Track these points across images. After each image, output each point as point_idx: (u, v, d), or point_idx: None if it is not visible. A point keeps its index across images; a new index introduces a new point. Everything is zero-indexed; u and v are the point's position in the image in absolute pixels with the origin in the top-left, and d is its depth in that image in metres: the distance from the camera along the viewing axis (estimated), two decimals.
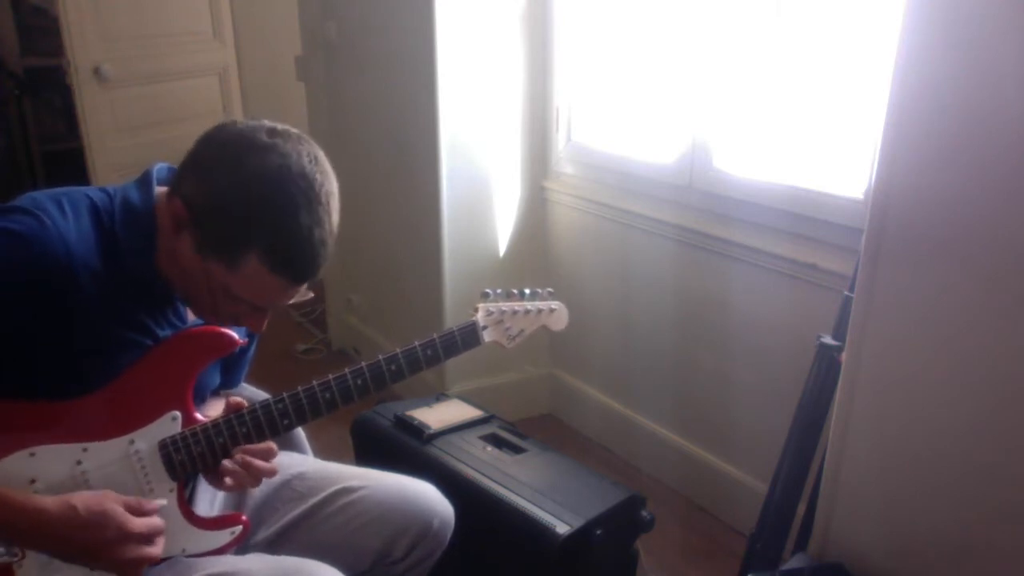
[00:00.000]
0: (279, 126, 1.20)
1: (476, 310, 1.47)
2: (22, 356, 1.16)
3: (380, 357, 1.36)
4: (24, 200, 1.18)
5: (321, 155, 1.21)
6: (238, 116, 4.20)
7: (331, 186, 1.21)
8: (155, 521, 1.20)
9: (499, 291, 1.49)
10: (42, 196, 1.19)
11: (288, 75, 3.58)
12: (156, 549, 1.20)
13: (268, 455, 1.32)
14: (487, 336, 1.47)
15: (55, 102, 4.97)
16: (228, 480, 1.28)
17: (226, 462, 1.28)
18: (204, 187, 1.17)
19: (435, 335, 1.40)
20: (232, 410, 1.30)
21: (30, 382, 1.19)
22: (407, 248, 3.09)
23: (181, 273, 1.23)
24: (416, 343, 1.38)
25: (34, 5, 4.83)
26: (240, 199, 1.15)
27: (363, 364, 1.35)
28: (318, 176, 1.18)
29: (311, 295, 1.29)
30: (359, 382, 1.34)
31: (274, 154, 1.15)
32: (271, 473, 1.32)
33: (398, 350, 1.37)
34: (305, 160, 1.17)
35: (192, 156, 1.21)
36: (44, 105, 5.02)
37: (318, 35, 3.31)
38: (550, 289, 1.57)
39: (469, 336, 1.44)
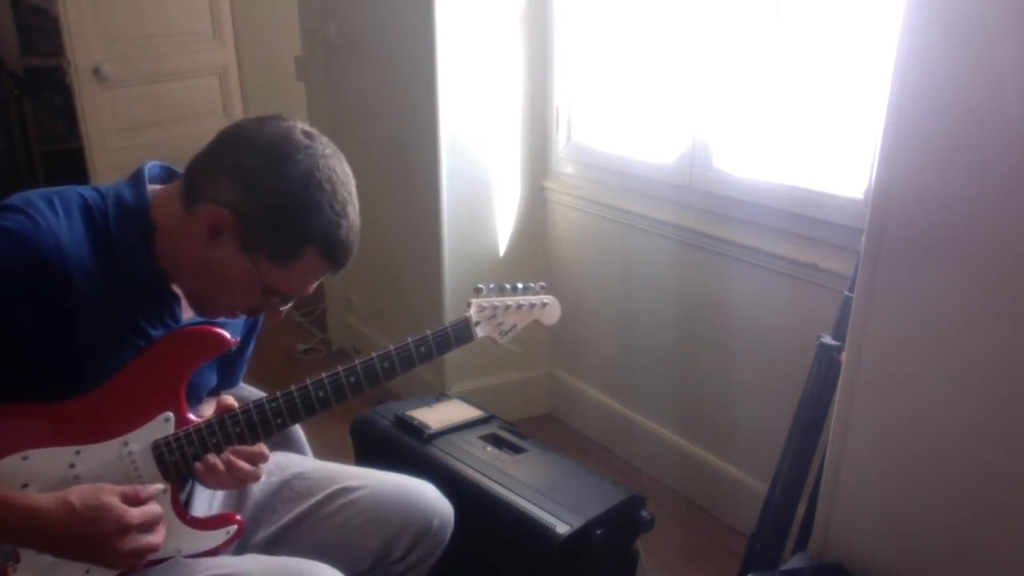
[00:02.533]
0: (305, 127, 1.24)
1: (469, 305, 1.46)
2: (16, 356, 1.16)
3: (373, 354, 1.36)
4: (15, 199, 1.18)
5: (338, 150, 1.26)
6: (238, 116, 4.20)
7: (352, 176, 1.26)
8: (153, 508, 1.20)
9: (492, 286, 1.49)
10: (34, 195, 1.19)
11: (288, 75, 3.58)
12: (156, 537, 1.20)
13: (258, 459, 1.31)
14: (480, 331, 1.46)
15: (55, 102, 4.98)
16: (200, 467, 1.28)
17: (209, 457, 1.28)
18: (254, 192, 1.18)
19: (428, 331, 1.40)
20: (222, 411, 1.30)
21: (24, 383, 1.19)
22: (407, 248, 3.09)
23: (207, 275, 1.23)
24: (409, 339, 1.38)
25: (34, 5, 4.83)
26: (299, 201, 1.18)
27: (356, 362, 1.34)
28: (348, 171, 1.24)
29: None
30: (352, 380, 1.34)
31: (318, 155, 1.20)
32: (255, 478, 1.32)
33: (391, 347, 1.37)
34: (337, 157, 1.23)
35: (220, 160, 1.21)
36: (44, 105, 5.02)
37: (318, 35, 3.31)
38: (542, 284, 1.56)
39: (462, 332, 1.44)
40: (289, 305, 1.31)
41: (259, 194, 1.18)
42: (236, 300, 1.27)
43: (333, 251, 1.22)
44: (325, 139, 1.24)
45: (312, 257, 1.21)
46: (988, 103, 1.28)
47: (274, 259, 1.20)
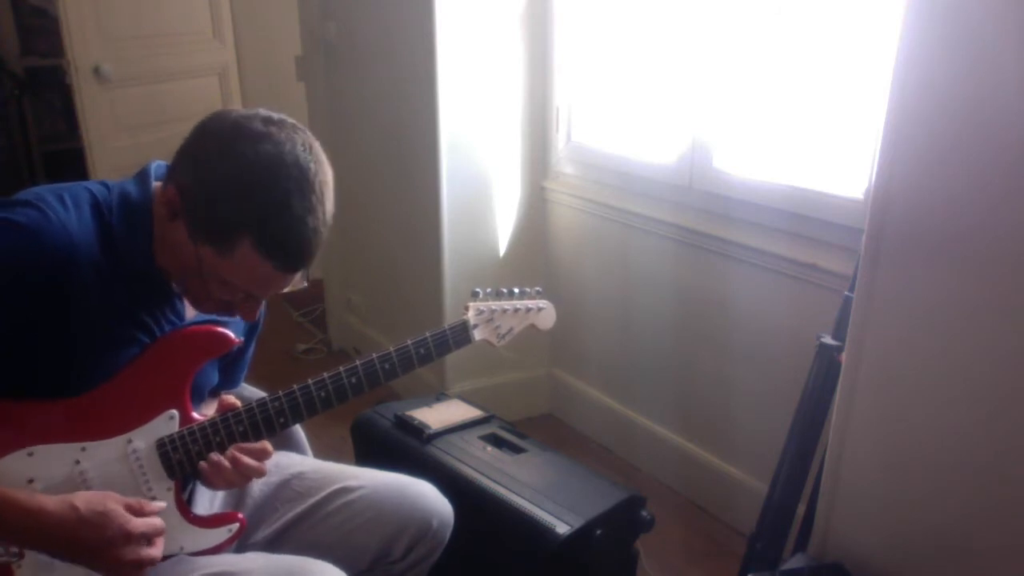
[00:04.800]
0: (275, 115, 1.21)
1: (467, 309, 1.48)
2: (24, 349, 1.16)
3: (374, 355, 1.37)
4: (26, 194, 1.18)
5: (316, 144, 1.21)
6: None
7: (325, 175, 1.21)
8: (155, 522, 1.20)
9: (489, 290, 1.51)
10: (44, 190, 1.20)
11: (288, 75, 3.58)
12: (156, 551, 1.20)
13: (262, 455, 1.32)
14: (477, 335, 1.48)
15: (55, 102, 4.97)
16: (205, 466, 1.27)
17: (213, 456, 1.28)
18: (197, 173, 1.18)
19: (427, 334, 1.41)
20: (225, 410, 1.31)
21: (29, 378, 1.19)
22: (407, 248, 3.09)
23: (176, 261, 1.23)
24: (409, 341, 1.39)
25: (34, 5, 4.83)
26: (232, 185, 1.16)
27: (357, 362, 1.35)
28: (312, 165, 1.18)
29: (305, 284, 1.28)
30: (353, 380, 1.34)
31: (268, 142, 1.16)
32: (260, 473, 1.32)
33: (391, 348, 1.38)
34: (299, 149, 1.18)
35: (187, 144, 1.22)
36: (44, 105, 5.02)
37: (318, 35, 3.31)
38: (538, 288, 1.58)
39: (460, 335, 1.45)
40: (258, 309, 1.28)
41: (201, 175, 1.17)
42: (198, 289, 1.24)
43: (268, 244, 1.16)
44: (294, 129, 1.19)
45: (248, 248, 1.16)
46: (988, 103, 1.28)
47: (212, 245, 1.18)
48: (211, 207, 1.17)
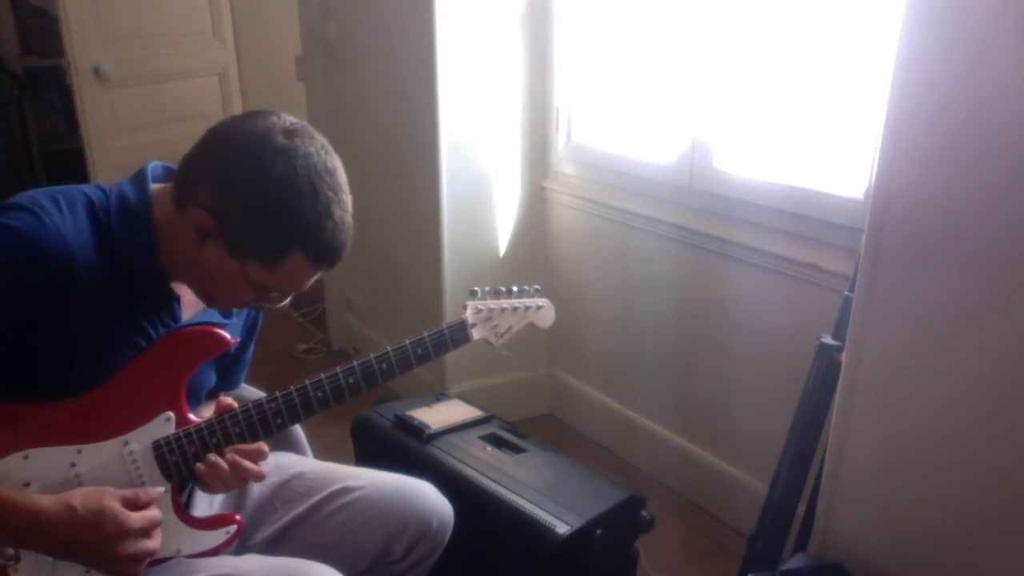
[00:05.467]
0: (288, 123, 1.20)
1: (465, 308, 1.47)
2: (19, 354, 1.16)
3: (371, 355, 1.36)
4: (21, 198, 1.18)
5: (327, 142, 1.23)
6: None
7: (342, 168, 1.24)
8: (152, 514, 1.20)
9: (487, 289, 1.50)
10: (39, 193, 1.19)
11: (288, 75, 3.58)
12: (154, 542, 1.20)
13: (258, 456, 1.32)
14: (476, 334, 1.47)
15: (55, 102, 4.98)
16: (202, 467, 1.27)
17: (211, 457, 1.28)
18: (232, 195, 1.17)
19: (425, 333, 1.41)
20: (222, 411, 1.30)
21: (25, 381, 1.19)
22: (407, 248, 3.09)
23: (202, 274, 1.24)
24: (407, 341, 1.39)
25: (34, 5, 4.83)
26: (278, 206, 1.17)
27: (355, 363, 1.35)
28: (336, 165, 1.22)
29: None
30: (350, 380, 1.34)
31: (297, 156, 1.17)
32: (259, 477, 1.32)
33: (389, 348, 1.37)
34: (322, 152, 1.20)
35: (203, 161, 1.20)
36: (44, 105, 5.02)
37: (318, 35, 3.31)
38: (537, 287, 1.57)
39: (458, 334, 1.45)
40: (288, 299, 1.31)
41: (236, 197, 1.18)
42: (232, 297, 1.28)
43: (318, 253, 1.21)
44: (310, 133, 1.21)
45: (298, 259, 1.20)
46: (988, 103, 1.28)
47: (260, 261, 1.20)
48: (257, 228, 1.18)
